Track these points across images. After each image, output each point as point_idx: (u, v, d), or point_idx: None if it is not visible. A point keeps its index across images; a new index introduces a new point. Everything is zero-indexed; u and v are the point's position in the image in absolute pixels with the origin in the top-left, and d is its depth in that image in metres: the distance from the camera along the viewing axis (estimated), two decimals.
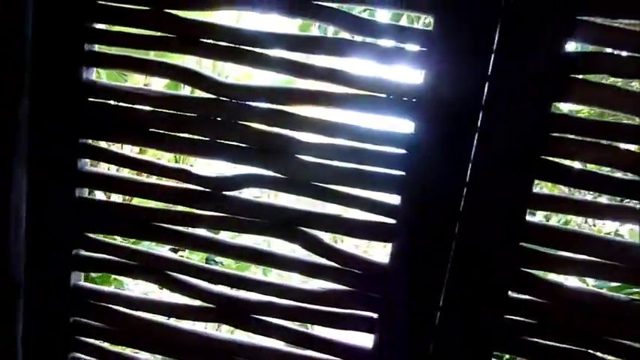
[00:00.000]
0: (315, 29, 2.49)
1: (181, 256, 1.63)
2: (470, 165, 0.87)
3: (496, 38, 0.83)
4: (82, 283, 1.10)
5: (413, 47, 0.88)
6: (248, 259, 1.02)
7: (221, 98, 0.95)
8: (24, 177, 1.00)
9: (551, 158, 0.87)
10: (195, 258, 1.85)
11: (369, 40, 0.90)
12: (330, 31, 2.44)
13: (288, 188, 0.96)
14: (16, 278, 1.05)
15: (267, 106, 0.94)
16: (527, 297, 0.92)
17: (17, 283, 1.05)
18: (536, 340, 0.94)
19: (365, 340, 1.00)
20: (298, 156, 0.94)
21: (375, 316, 0.98)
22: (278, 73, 0.95)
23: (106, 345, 1.11)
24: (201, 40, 0.93)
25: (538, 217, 2.09)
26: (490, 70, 0.84)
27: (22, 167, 0.99)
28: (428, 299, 0.93)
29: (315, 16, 0.91)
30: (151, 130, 0.98)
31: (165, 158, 1.93)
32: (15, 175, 0.99)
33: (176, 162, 2.02)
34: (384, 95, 0.90)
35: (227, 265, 2.03)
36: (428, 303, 0.93)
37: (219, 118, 0.96)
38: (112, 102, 0.99)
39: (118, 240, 1.09)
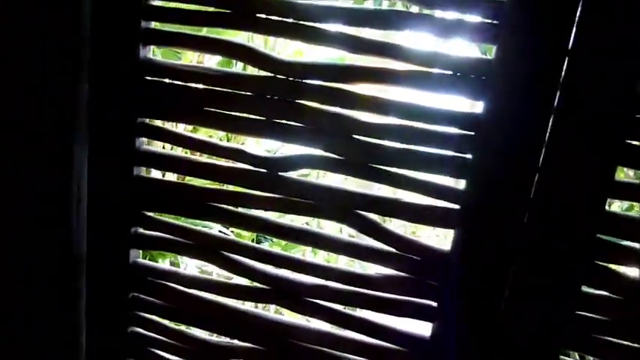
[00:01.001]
0: (370, 2, 2.40)
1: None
2: (544, 148, 0.80)
3: (579, 8, 0.75)
4: (141, 260, 1.11)
5: (480, 19, 0.81)
6: (301, 240, 1.00)
7: (277, 76, 0.91)
8: (85, 156, 1.02)
9: (636, 142, 0.78)
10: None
11: (427, 11, 0.84)
12: (385, 4, 2.35)
13: (345, 170, 0.93)
14: (79, 255, 1.08)
15: (325, 84, 0.90)
16: (601, 292, 0.85)
17: (80, 259, 1.08)
18: (608, 338, 0.87)
19: (422, 328, 0.97)
20: (356, 136, 0.90)
21: (434, 304, 0.94)
22: (334, 48, 0.91)
23: (163, 321, 1.13)
24: (257, 15, 0.90)
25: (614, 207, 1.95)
26: (571, 44, 0.76)
27: (82, 146, 1.00)
28: (492, 290, 0.88)
29: None
30: (206, 108, 0.97)
31: (217, 137, 1.93)
32: (76, 153, 1.00)
33: (228, 141, 2.02)
34: (449, 72, 0.84)
35: (275, 243, 2.04)
36: (492, 294, 0.88)
37: (275, 97, 0.93)
38: (167, 80, 0.98)
39: (173, 218, 1.09)
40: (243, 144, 1.86)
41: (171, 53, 1.68)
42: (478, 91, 0.83)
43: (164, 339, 1.13)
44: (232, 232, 1.88)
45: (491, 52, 0.83)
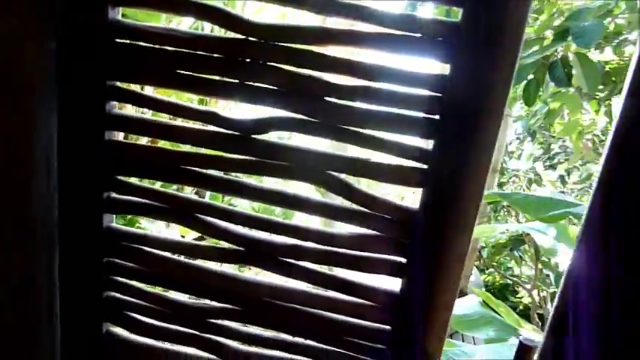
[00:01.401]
0: None
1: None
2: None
3: None
4: (115, 224, 1.11)
5: None
6: (275, 202, 1.02)
7: (250, 39, 0.92)
8: (54, 120, 1.00)
9: None
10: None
11: None
12: None
13: (317, 132, 0.95)
14: (51, 220, 1.07)
15: (297, 47, 0.91)
16: None
17: (52, 223, 1.07)
18: None
19: (392, 283, 1.01)
20: (327, 98, 0.92)
21: (404, 260, 0.98)
22: (306, 11, 0.91)
23: (138, 284, 1.14)
24: None
25: None
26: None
27: (51, 110, 0.99)
28: (458, 245, 0.93)
29: None
30: (177, 71, 0.96)
31: (190, 101, 1.91)
32: (44, 118, 0.99)
33: (201, 104, 2.00)
34: (418, 35, 0.86)
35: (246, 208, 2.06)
36: (457, 249, 0.92)
37: (247, 59, 0.93)
38: (138, 43, 0.97)
39: (147, 183, 1.09)
40: (216, 107, 1.85)
41: (146, 16, 1.65)
42: (446, 54, 0.86)
43: (140, 302, 1.14)
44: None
45: (456, 15, 0.86)
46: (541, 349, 0.87)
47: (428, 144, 0.92)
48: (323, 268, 1.05)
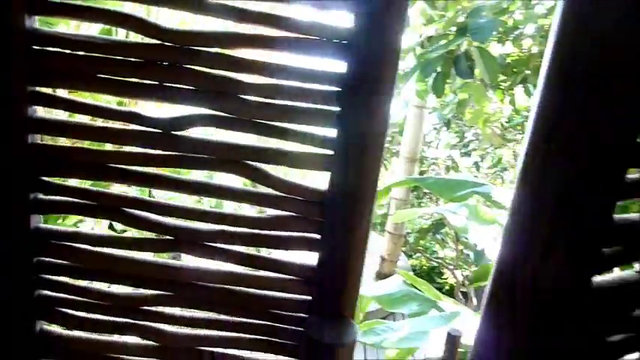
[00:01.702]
0: None
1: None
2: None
3: None
4: (43, 225, 1.16)
5: None
6: (199, 192, 1.11)
7: (166, 43, 1.00)
8: None
9: None
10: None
11: None
12: None
13: (234, 126, 1.05)
14: None
15: (211, 50, 1.00)
16: None
17: None
18: None
19: (310, 258, 1.14)
20: (242, 96, 1.02)
21: (318, 237, 1.11)
22: (217, 18, 1.01)
23: (70, 280, 1.19)
24: None
25: None
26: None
27: None
28: (361, 220, 1.06)
29: None
30: (98, 75, 1.03)
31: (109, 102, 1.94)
32: None
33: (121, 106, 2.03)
34: (318, 38, 0.99)
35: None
36: (360, 222, 1.06)
37: (165, 63, 1.02)
38: (57, 49, 1.02)
39: (73, 182, 1.14)
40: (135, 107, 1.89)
41: (53, 20, 1.66)
42: (342, 54, 0.99)
43: (74, 297, 1.19)
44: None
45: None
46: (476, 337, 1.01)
47: (333, 132, 1.05)
48: (248, 250, 1.15)
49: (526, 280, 0.91)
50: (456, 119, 5.60)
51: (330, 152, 1.05)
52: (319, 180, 1.12)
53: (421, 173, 5.87)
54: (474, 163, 6.07)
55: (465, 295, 4.73)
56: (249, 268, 1.15)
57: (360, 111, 1.00)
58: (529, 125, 0.87)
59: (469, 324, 2.12)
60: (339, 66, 1.01)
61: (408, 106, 5.16)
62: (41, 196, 1.13)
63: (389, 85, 0.97)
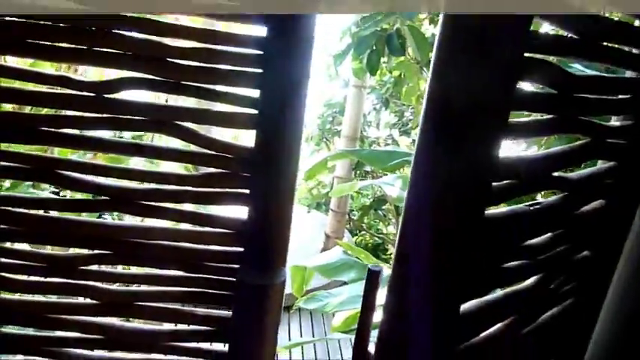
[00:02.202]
0: None
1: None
2: None
3: None
4: None
5: None
6: (131, 152, 1.18)
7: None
8: None
9: None
10: None
11: None
12: None
13: (163, 88, 1.12)
14: None
15: (137, 15, 1.06)
16: None
17: None
18: None
19: (239, 212, 1.23)
20: (168, 59, 1.09)
21: (247, 191, 1.20)
22: None
23: (6, 244, 1.23)
24: None
25: None
26: None
27: None
28: (288, 173, 1.16)
29: None
30: (28, 41, 1.07)
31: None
32: None
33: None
34: (237, 4, 1.07)
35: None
36: (287, 175, 1.16)
37: (93, 28, 1.07)
38: None
39: (6, 146, 1.17)
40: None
41: None
42: (263, 19, 1.07)
43: (11, 261, 1.23)
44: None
45: None
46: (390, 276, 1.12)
47: (256, 93, 1.14)
48: (182, 207, 1.23)
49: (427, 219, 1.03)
50: (395, 99, 5.81)
51: (255, 112, 1.14)
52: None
53: None
54: (413, 140, 6.31)
55: None
56: (184, 224, 1.23)
57: (280, 72, 1.09)
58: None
59: None
60: (260, 30, 1.10)
61: (348, 86, 5.30)
62: None
63: (307, 42, 1.07)
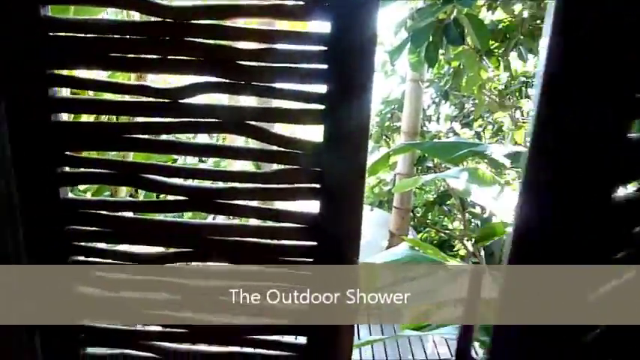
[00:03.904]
0: None
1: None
2: None
3: None
4: (71, 195, 1.28)
5: None
6: (208, 154, 1.23)
7: (166, 20, 1.11)
8: (1, 109, 1.15)
9: None
10: None
11: None
12: None
13: (231, 90, 1.16)
14: (12, 201, 1.22)
15: (207, 22, 1.11)
16: None
17: (13, 205, 1.22)
18: None
19: (312, 206, 1.25)
20: (239, 62, 1.14)
21: (318, 186, 1.22)
22: None
23: (100, 245, 1.32)
24: None
25: None
26: None
27: None
28: (357, 165, 1.18)
29: None
30: (109, 54, 1.14)
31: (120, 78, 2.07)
32: None
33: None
34: (302, 3, 1.10)
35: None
36: (356, 167, 1.17)
37: (166, 38, 1.13)
38: (70, 34, 1.14)
39: (95, 154, 1.26)
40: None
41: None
42: (327, 15, 1.09)
43: (104, 261, 1.32)
44: None
45: None
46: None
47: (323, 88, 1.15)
48: (255, 204, 1.27)
49: None
50: (454, 91, 5.69)
51: (322, 107, 1.16)
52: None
53: None
54: (475, 132, 6.15)
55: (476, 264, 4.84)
56: (259, 221, 1.27)
57: (345, 66, 1.11)
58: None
59: None
60: (323, 27, 1.12)
61: (405, 81, 5.25)
62: (67, 169, 1.25)
63: (370, 36, 1.08)
